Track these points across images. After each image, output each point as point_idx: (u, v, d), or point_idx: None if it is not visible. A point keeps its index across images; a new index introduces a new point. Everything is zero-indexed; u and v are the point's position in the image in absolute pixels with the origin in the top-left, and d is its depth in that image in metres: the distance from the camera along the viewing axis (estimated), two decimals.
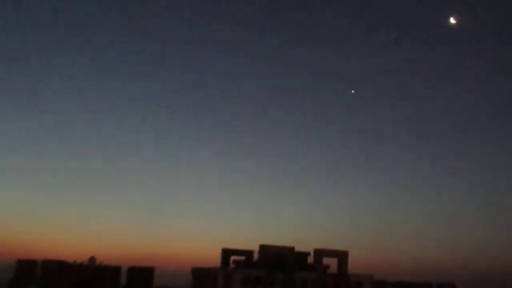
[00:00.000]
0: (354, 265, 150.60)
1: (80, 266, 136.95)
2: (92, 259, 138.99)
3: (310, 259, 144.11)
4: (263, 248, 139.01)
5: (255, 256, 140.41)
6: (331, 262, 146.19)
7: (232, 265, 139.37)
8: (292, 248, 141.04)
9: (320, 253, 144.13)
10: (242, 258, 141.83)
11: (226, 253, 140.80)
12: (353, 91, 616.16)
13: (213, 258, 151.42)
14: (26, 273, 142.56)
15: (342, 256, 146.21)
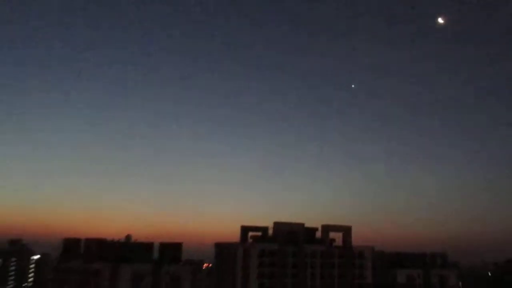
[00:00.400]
0: (356, 238, 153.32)
1: (117, 243, 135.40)
2: (128, 237, 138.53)
3: (318, 234, 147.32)
4: (276, 224, 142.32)
5: (270, 232, 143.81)
6: (337, 236, 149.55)
7: (250, 240, 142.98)
8: (302, 225, 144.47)
9: (326, 228, 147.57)
10: (259, 233, 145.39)
11: (245, 229, 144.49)
12: (353, 86, 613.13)
13: (233, 234, 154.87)
14: (71, 250, 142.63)
15: (346, 231, 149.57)
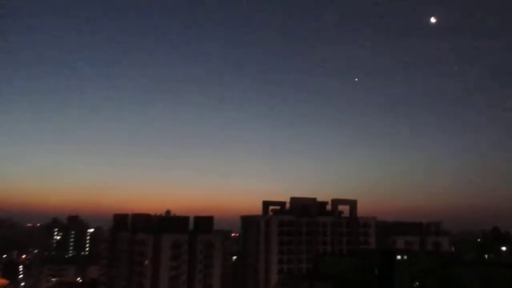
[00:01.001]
0: (362, 210, 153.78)
1: (159, 217, 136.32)
2: (167, 212, 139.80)
3: (328, 207, 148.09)
4: (292, 199, 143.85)
5: (287, 205, 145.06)
6: (344, 209, 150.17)
7: (270, 213, 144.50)
8: (314, 199, 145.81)
9: (335, 202, 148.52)
10: (278, 207, 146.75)
11: (266, 204, 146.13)
12: (356, 79, 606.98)
13: (256, 208, 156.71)
14: (120, 224, 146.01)
15: (352, 204, 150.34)
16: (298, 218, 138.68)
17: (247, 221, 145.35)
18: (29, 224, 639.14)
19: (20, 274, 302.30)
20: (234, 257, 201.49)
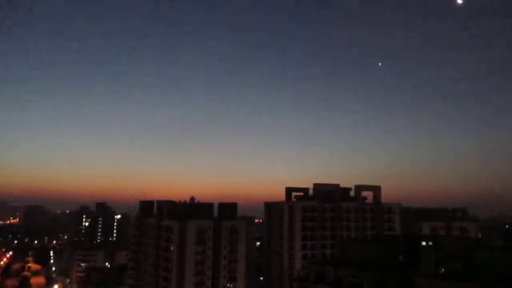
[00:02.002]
0: (387, 196, 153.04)
1: (184, 204, 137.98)
2: (192, 198, 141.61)
3: (352, 193, 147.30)
4: (316, 185, 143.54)
5: (310, 192, 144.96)
6: (368, 195, 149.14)
7: (293, 199, 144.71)
8: (338, 185, 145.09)
9: (359, 188, 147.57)
10: (301, 193, 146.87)
11: (289, 190, 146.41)
12: (380, 64, 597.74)
13: (279, 194, 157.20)
14: (146, 210, 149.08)
15: (376, 190, 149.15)
16: (321, 204, 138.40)
17: (271, 207, 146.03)
18: (59, 212, 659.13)
19: (51, 259, 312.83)
20: (258, 243, 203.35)
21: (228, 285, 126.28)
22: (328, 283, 69.46)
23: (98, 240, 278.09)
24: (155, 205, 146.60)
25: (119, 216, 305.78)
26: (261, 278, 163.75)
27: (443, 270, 71.63)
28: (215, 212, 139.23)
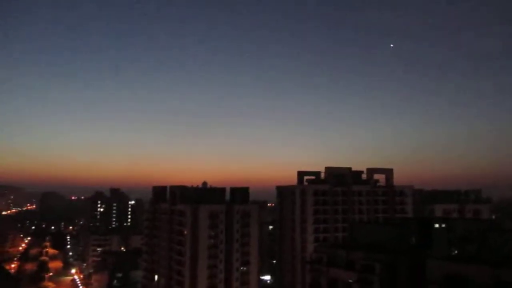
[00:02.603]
0: (399, 179, 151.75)
1: (196, 189, 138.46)
2: (204, 183, 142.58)
3: (364, 176, 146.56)
4: (328, 169, 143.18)
5: (322, 175, 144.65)
6: (380, 178, 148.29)
7: (305, 183, 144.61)
8: (350, 168, 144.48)
9: (371, 171, 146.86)
10: (313, 177, 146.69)
11: (301, 174, 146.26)
12: (392, 45, 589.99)
13: (291, 178, 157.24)
14: (159, 195, 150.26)
15: (388, 172, 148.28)
16: (333, 188, 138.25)
17: (283, 191, 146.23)
18: (74, 197, 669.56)
19: (68, 244, 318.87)
20: (270, 227, 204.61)
21: (241, 268, 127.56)
22: (340, 266, 69.65)
23: (113, 225, 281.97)
24: (167, 190, 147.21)
25: (132, 202, 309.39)
26: (274, 261, 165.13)
27: (456, 252, 71.33)
28: (227, 197, 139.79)
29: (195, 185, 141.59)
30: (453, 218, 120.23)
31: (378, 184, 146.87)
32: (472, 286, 49.83)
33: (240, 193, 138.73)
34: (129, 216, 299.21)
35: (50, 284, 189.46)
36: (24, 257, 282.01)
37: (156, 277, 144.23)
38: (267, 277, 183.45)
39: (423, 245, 70.69)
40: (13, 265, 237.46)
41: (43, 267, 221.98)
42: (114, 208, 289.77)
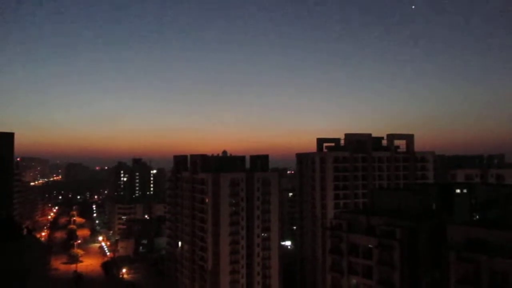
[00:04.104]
0: (420, 144, 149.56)
1: (216, 157, 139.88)
2: (224, 152, 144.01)
3: (384, 142, 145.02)
4: (347, 136, 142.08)
5: (342, 142, 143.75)
6: (401, 144, 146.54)
7: (325, 150, 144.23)
8: (370, 135, 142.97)
9: (391, 137, 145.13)
10: (332, 144, 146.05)
11: (320, 141, 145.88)
12: (413, 6, 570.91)
13: (311, 145, 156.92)
14: (180, 164, 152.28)
15: (409, 138, 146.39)
16: (353, 154, 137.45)
17: (302, 158, 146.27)
18: (98, 168, 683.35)
19: (94, 213, 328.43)
20: (290, 194, 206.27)
21: (262, 234, 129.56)
22: (361, 231, 69.98)
23: (136, 194, 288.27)
24: (188, 159, 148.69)
25: (154, 171, 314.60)
26: (294, 227, 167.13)
27: (477, 217, 70.81)
28: (247, 165, 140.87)
29: (215, 154, 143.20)
30: (475, 183, 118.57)
31: (398, 150, 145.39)
32: (494, 251, 49.61)
33: (260, 161, 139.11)
34: (152, 185, 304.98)
35: (79, 251, 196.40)
36: (54, 225, 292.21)
37: (179, 243, 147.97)
38: (287, 243, 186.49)
39: (444, 210, 70.34)
40: (43, 234, 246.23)
41: (72, 235, 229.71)
42: (137, 177, 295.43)
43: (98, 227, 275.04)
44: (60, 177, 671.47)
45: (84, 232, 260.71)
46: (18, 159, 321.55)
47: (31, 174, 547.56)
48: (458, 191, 72.94)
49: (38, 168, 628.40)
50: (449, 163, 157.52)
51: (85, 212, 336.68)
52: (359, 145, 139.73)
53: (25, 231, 74.08)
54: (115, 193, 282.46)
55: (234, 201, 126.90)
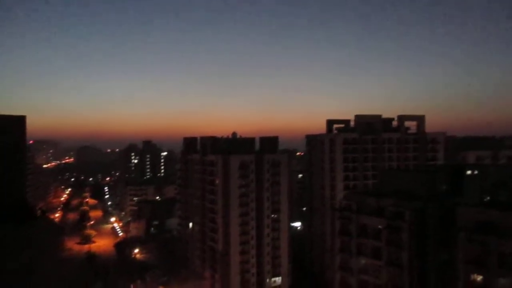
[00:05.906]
0: (430, 126, 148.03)
1: (226, 139, 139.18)
2: (234, 134, 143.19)
3: (395, 123, 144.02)
4: (357, 117, 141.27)
5: (352, 123, 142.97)
6: (412, 125, 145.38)
7: (335, 131, 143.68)
8: (380, 116, 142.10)
9: (401, 118, 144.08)
10: (342, 125, 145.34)
11: (330, 122, 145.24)
12: None
13: (320, 127, 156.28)
14: (190, 146, 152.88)
15: (420, 119, 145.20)
16: (362, 136, 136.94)
17: (312, 140, 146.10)
18: (108, 150, 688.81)
19: (106, 195, 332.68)
20: (300, 175, 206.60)
21: (272, 215, 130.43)
22: (370, 212, 70.25)
23: (147, 176, 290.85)
24: (198, 141, 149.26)
25: (165, 153, 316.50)
26: (303, 208, 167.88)
27: (488, 199, 70.51)
28: (257, 147, 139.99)
29: (225, 136, 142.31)
30: (486, 165, 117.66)
31: (409, 131, 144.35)
32: (504, 234, 49.55)
33: (269, 143, 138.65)
34: (162, 167, 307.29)
35: (92, 231, 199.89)
36: (67, 207, 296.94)
37: (190, 224, 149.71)
38: (297, 224, 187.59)
39: (454, 192, 70.15)
40: (57, 215, 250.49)
41: (84, 216, 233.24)
42: (148, 159, 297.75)
43: (110, 209, 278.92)
44: (72, 159, 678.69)
45: (96, 213, 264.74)
46: (30, 142, 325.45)
47: (44, 156, 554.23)
48: (468, 172, 72.63)
49: (50, 151, 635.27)
50: (460, 144, 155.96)
51: (97, 193, 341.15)
52: (369, 126, 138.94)
53: (39, 213, 75.42)
54: (126, 175, 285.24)
55: (244, 183, 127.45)
